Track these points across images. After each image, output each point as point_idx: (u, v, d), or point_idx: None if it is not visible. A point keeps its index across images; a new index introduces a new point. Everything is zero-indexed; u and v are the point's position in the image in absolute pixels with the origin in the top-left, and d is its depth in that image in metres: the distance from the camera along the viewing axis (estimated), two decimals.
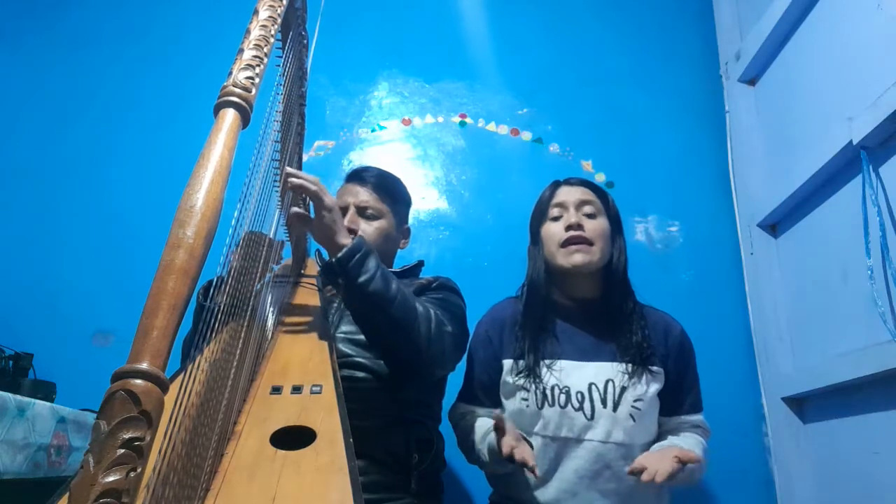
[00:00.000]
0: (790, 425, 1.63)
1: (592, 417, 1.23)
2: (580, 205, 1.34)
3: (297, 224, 1.14)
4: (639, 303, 1.37)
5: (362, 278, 1.05)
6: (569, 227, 1.30)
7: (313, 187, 1.04)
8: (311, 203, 1.09)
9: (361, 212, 1.33)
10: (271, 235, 0.99)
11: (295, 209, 1.10)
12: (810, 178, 1.53)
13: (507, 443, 1.08)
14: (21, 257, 1.92)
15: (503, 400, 1.33)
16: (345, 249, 1.05)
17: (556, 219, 1.35)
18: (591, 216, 1.33)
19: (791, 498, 1.59)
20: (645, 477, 1.08)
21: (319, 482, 0.64)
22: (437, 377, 1.27)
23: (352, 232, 1.25)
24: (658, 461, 1.10)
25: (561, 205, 1.35)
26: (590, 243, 1.30)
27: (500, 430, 1.10)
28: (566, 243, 1.30)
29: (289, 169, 1.03)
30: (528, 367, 1.27)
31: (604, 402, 1.24)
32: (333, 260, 1.06)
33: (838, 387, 1.41)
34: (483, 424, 1.27)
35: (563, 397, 1.24)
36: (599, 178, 2.00)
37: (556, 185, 1.41)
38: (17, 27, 2.21)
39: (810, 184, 1.55)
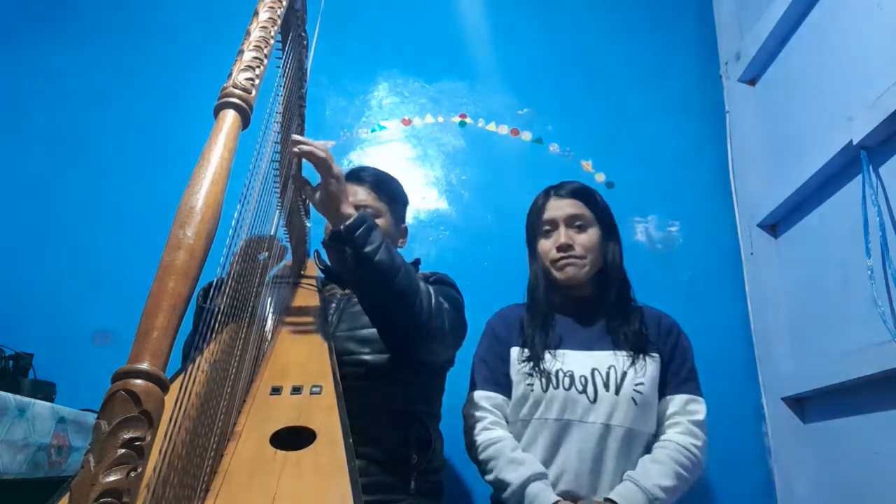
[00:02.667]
0: (790, 425, 1.63)
1: (595, 400, 1.28)
2: (570, 220, 1.39)
3: (302, 187, 1.13)
4: (635, 299, 1.43)
5: (369, 248, 1.05)
6: (559, 248, 1.37)
7: (322, 154, 1.03)
8: (306, 198, 1.08)
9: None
10: (271, 235, 0.99)
11: (302, 147, 1.07)
12: (810, 178, 1.53)
13: None
14: (21, 257, 1.92)
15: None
16: (352, 218, 1.05)
17: (547, 233, 1.41)
18: (581, 228, 1.39)
19: (791, 498, 1.59)
20: None
21: (319, 482, 0.64)
22: (435, 357, 1.24)
23: None
24: None
25: (551, 221, 1.41)
26: (581, 257, 1.37)
27: None
28: (557, 260, 1.38)
29: (296, 136, 1.02)
30: (534, 354, 1.33)
31: (606, 386, 1.28)
32: (341, 228, 1.05)
33: (838, 387, 1.41)
34: (525, 469, 1.24)
35: (567, 380, 1.30)
36: (599, 179, 2.00)
37: (547, 195, 1.45)
38: (19, 29, 2.21)
39: (810, 184, 1.55)
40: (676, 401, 1.31)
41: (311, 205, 1.16)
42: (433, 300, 1.12)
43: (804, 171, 1.54)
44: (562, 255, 1.37)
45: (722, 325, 1.82)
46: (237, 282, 0.73)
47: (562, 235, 1.38)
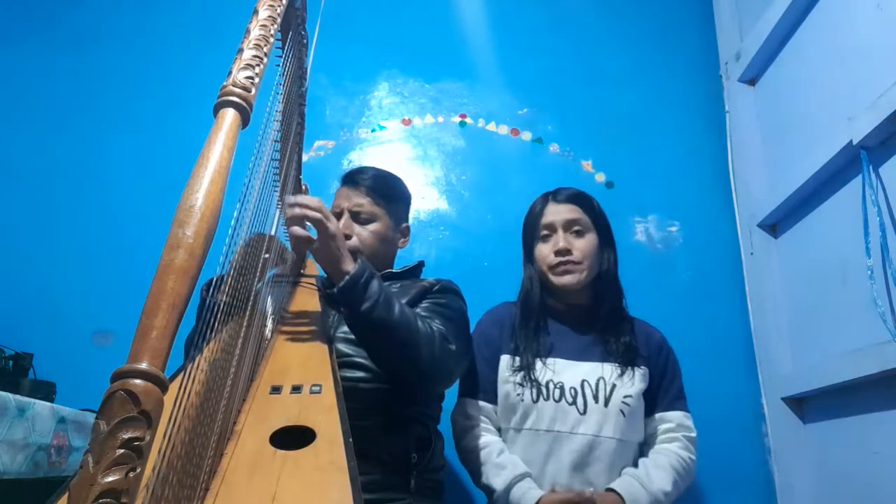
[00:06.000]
0: (790, 425, 1.63)
1: (585, 412, 1.29)
2: (568, 225, 1.40)
3: (299, 246, 1.13)
4: (627, 310, 1.43)
5: (365, 306, 1.04)
6: (557, 253, 1.38)
7: (317, 215, 1.03)
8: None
9: (355, 216, 1.33)
10: (271, 235, 0.99)
11: (296, 229, 1.06)
12: (810, 178, 1.52)
13: None
14: (21, 257, 1.92)
15: (499, 394, 1.37)
16: (346, 278, 1.04)
17: (545, 238, 1.42)
18: (578, 234, 1.40)
19: (791, 498, 1.59)
20: None
21: (319, 482, 0.64)
22: (440, 392, 1.28)
23: (346, 238, 1.25)
24: None
25: (550, 226, 1.41)
26: (578, 262, 1.37)
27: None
28: (556, 265, 1.38)
29: (290, 197, 1.03)
30: (525, 363, 1.34)
31: (595, 398, 1.30)
32: (335, 290, 1.06)
33: (838, 387, 1.41)
34: (507, 473, 1.26)
35: (557, 392, 1.31)
36: (599, 179, 2.00)
37: (546, 200, 1.45)
38: (17, 28, 2.20)
39: (810, 184, 1.55)
40: (674, 417, 1.35)
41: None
42: (437, 346, 1.10)
43: (804, 171, 1.54)
44: (560, 259, 1.37)
45: (722, 325, 1.82)
46: (238, 278, 0.73)
47: (560, 240, 1.38)
